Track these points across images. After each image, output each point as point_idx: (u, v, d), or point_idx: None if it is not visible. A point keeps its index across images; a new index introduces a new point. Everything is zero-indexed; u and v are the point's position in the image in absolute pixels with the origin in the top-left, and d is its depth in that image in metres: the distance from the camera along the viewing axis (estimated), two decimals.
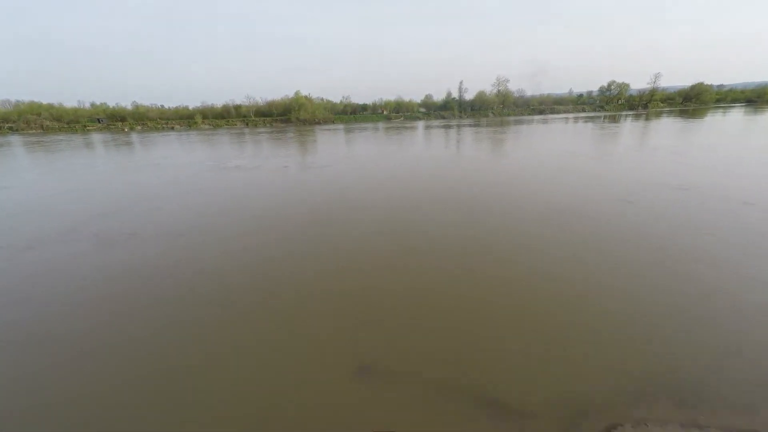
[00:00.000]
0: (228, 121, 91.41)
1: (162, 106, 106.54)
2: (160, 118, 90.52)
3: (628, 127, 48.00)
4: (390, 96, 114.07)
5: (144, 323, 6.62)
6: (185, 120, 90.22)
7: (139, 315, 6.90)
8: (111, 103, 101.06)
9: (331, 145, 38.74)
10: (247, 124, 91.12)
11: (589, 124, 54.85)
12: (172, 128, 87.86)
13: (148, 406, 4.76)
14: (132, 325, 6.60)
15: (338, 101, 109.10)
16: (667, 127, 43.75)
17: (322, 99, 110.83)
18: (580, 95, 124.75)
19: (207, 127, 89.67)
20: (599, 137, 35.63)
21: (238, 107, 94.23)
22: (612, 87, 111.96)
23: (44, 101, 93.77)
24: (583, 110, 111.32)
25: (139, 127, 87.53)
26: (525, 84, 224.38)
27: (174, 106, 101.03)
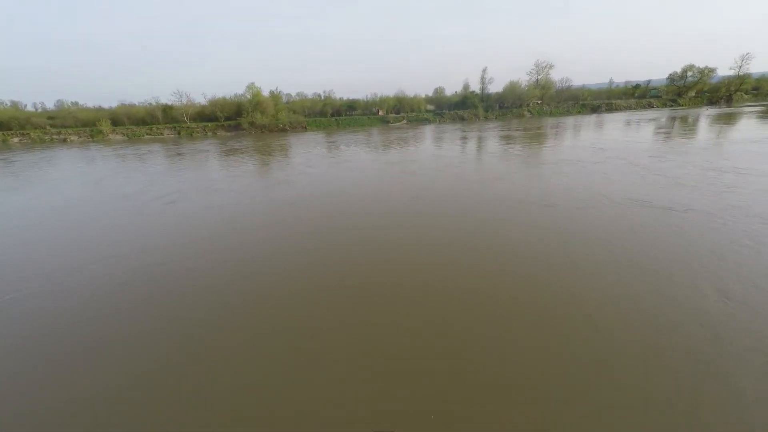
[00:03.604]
0: (152, 129, 63.40)
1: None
2: (51, 126, 62.63)
3: None
4: (389, 91, 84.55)
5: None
6: (88, 128, 62.27)
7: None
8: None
9: None
10: (179, 132, 63.06)
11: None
12: (65, 140, 60.11)
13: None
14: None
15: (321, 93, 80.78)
16: None
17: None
18: (636, 86, 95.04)
19: (120, 137, 61.78)
20: None
21: (168, 108, 66.02)
22: (688, 74, 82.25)
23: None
24: (650, 105, 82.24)
25: (16, 139, 59.87)
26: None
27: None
